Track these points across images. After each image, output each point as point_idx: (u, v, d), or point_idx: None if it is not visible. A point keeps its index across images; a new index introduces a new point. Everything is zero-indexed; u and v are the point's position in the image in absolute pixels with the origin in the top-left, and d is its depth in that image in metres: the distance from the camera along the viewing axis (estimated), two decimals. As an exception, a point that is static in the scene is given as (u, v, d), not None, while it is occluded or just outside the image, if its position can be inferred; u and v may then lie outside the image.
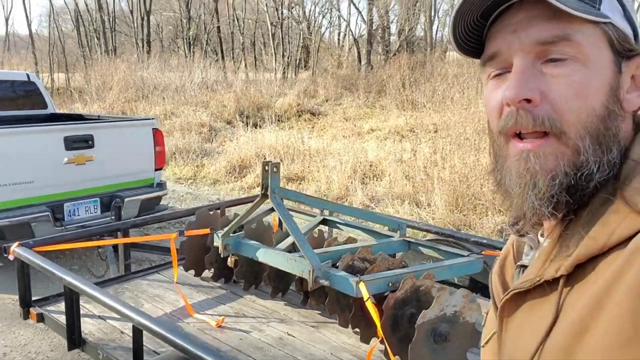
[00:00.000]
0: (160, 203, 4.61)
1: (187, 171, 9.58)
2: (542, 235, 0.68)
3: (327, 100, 17.32)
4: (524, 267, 0.68)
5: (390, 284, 2.31)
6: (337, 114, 14.98)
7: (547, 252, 0.62)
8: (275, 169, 2.46)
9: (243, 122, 13.40)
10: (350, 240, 2.90)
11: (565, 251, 0.59)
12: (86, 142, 4.05)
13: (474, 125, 9.14)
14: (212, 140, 11.95)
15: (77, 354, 3.17)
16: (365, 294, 2.14)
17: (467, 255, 2.57)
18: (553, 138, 0.60)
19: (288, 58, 26.26)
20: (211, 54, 27.02)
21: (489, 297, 2.95)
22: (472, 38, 0.67)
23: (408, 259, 3.08)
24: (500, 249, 2.72)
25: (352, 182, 8.18)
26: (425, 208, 7.05)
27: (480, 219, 6.58)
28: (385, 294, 2.27)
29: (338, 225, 3.16)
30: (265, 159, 9.85)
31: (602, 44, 0.60)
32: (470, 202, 6.88)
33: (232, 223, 2.65)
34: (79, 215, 4.07)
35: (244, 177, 9.32)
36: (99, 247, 3.66)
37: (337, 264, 2.50)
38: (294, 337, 2.54)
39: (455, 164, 7.72)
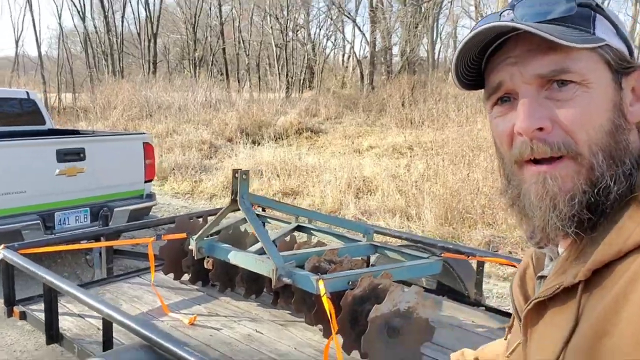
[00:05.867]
0: (150, 214, 4.78)
1: (185, 186, 9.77)
2: (559, 245, 0.70)
3: (328, 119, 17.56)
4: (545, 277, 0.69)
5: (350, 283, 2.43)
6: (337, 132, 15.18)
7: (565, 260, 0.64)
8: (244, 176, 2.62)
9: (244, 139, 13.64)
10: (320, 244, 3.04)
11: (583, 258, 0.61)
12: (78, 154, 4.24)
13: (469, 142, 9.30)
14: (212, 157, 12.18)
15: (60, 354, 3.31)
16: (322, 290, 2.26)
17: (427, 257, 2.69)
18: (569, 160, 0.62)
19: (292, 78, 26.65)
20: (217, 74, 27.53)
21: (454, 300, 3.12)
22: (471, 72, 0.70)
23: (379, 263, 3.21)
24: (462, 253, 2.83)
25: (345, 197, 8.32)
26: (415, 221, 7.17)
27: (469, 231, 6.69)
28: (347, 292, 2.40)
29: (312, 231, 3.29)
30: (262, 174, 10.05)
31: (600, 65, 0.62)
32: (459, 216, 7.00)
33: (205, 227, 2.80)
34: (69, 224, 4.24)
35: (241, 192, 9.48)
36: (86, 254, 3.81)
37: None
38: (261, 334, 2.66)
39: (448, 179, 7.85)
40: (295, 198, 9.10)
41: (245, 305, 2.99)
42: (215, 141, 13.75)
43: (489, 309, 2.94)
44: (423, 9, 21.76)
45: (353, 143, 13.04)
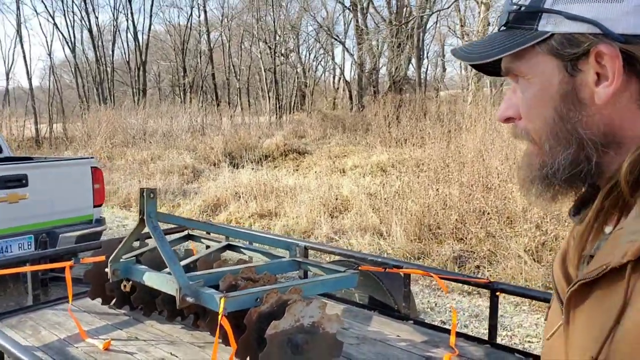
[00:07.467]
0: (101, 239, 4.72)
1: (162, 211, 9.71)
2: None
3: (314, 140, 17.61)
4: (590, 257, 0.66)
5: (259, 299, 2.37)
6: (323, 152, 15.19)
7: (613, 239, 0.61)
8: (151, 195, 2.57)
9: (227, 163, 13.65)
10: (242, 262, 2.97)
11: (632, 236, 0.57)
12: (19, 181, 4.22)
13: (446, 158, 9.28)
14: (193, 182, 12.16)
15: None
16: (221, 309, 2.20)
17: (344, 271, 2.63)
18: (532, 143, 0.69)
19: (281, 101, 26.83)
20: (209, 100, 27.74)
21: (387, 315, 3.01)
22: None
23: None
24: (381, 265, 2.76)
25: (319, 216, 8.27)
26: (386, 238, 7.11)
27: (438, 247, 6.62)
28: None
29: (241, 250, 3.23)
30: (240, 197, 10.02)
31: (540, 58, 0.64)
32: (430, 232, 6.94)
33: (118, 249, 2.75)
34: (12, 251, 4.19)
35: (217, 214, 9.45)
36: (26, 282, 3.74)
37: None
38: (176, 356, 2.57)
39: (421, 195, 7.82)
40: (271, 219, 9.06)
41: (168, 329, 2.91)
42: (199, 165, 13.77)
43: (417, 322, 2.87)
44: (408, 27, 21.99)
45: (334, 163, 13.03)
